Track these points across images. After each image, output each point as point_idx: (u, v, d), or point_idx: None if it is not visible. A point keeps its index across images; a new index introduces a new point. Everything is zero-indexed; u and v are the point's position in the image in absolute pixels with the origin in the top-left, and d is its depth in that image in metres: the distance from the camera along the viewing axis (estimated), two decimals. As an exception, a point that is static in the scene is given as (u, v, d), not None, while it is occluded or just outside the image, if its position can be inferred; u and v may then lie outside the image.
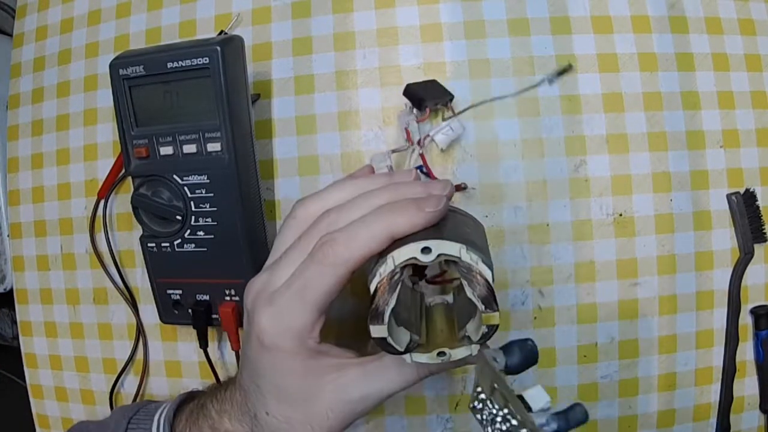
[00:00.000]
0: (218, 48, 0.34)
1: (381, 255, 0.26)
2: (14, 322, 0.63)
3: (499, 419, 0.21)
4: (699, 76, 0.40)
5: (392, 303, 0.25)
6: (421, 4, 0.40)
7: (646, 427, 0.40)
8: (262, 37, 0.42)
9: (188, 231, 0.37)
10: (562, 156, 0.39)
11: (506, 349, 0.23)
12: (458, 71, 0.40)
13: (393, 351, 0.26)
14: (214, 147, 0.36)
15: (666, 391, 0.40)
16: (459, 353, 0.26)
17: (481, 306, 0.24)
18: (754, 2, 0.41)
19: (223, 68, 0.34)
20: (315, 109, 0.41)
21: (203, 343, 0.40)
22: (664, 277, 0.40)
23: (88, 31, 0.46)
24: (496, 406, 0.21)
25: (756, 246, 0.40)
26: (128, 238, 0.44)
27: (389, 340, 0.26)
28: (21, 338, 0.48)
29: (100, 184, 0.44)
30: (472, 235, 0.27)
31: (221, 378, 0.41)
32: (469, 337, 0.26)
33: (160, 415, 0.33)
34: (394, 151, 0.38)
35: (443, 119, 0.38)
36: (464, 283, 0.25)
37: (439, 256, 0.25)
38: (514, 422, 0.20)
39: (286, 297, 0.27)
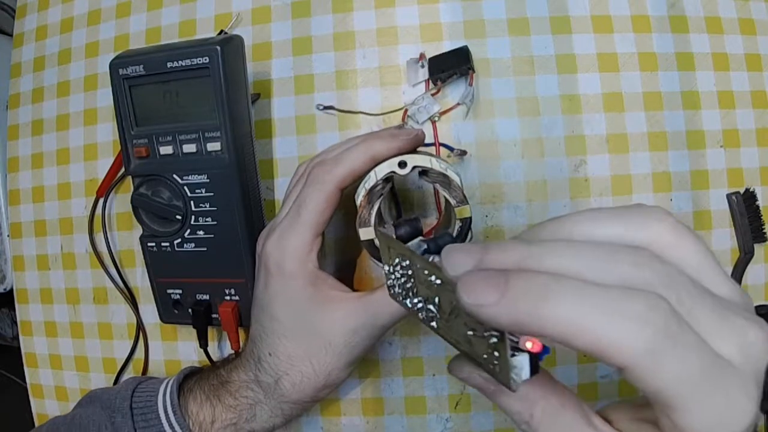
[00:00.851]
0: (218, 48, 0.34)
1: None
2: (14, 322, 0.63)
3: (403, 278, 0.22)
4: (699, 75, 0.40)
5: (375, 208, 0.30)
6: (420, 4, 0.40)
7: (646, 426, 0.40)
8: (262, 37, 0.42)
9: (188, 231, 0.37)
10: (562, 156, 0.39)
11: (396, 225, 0.28)
12: (458, 71, 0.40)
13: (380, 255, 0.29)
14: (214, 147, 0.36)
15: (666, 390, 0.40)
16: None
17: (454, 202, 0.29)
18: (755, 2, 0.41)
19: (223, 68, 0.34)
20: (315, 109, 0.41)
21: (203, 343, 0.40)
22: (664, 277, 0.39)
23: (88, 31, 0.46)
24: (397, 265, 0.22)
25: (756, 246, 0.40)
26: (128, 237, 0.44)
27: (376, 242, 0.30)
28: (21, 338, 0.48)
29: (100, 183, 0.44)
30: (440, 158, 0.32)
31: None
32: (450, 234, 0.30)
33: (169, 379, 0.36)
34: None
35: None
36: (439, 187, 0.30)
37: (414, 168, 0.30)
38: (405, 263, 0.21)
39: (285, 222, 0.32)
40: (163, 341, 0.44)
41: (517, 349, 0.18)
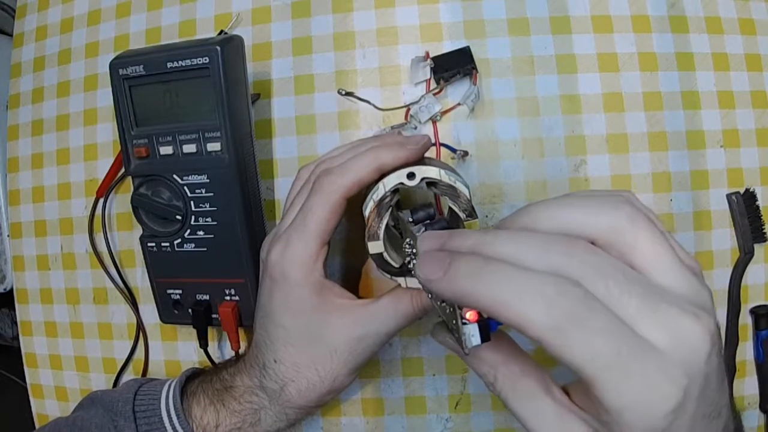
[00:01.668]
0: (218, 48, 0.34)
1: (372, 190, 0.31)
2: (14, 322, 0.63)
3: (412, 254, 0.26)
4: (699, 75, 0.40)
5: (385, 221, 0.30)
6: (420, 4, 0.40)
7: (646, 426, 0.40)
8: (262, 37, 0.42)
9: (188, 231, 0.37)
10: (562, 156, 0.39)
11: (413, 210, 0.29)
12: (458, 71, 0.40)
13: (389, 268, 0.30)
14: (214, 147, 0.36)
15: (666, 390, 0.40)
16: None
17: (463, 215, 0.29)
18: (755, 2, 0.41)
19: (223, 68, 0.34)
20: (315, 109, 0.41)
21: (203, 343, 0.40)
22: (664, 277, 0.40)
23: (88, 31, 0.46)
24: (408, 242, 0.27)
25: (756, 246, 0.40)
26: (128, 237, 0.44)
27: (385, 256, 0.30)
28: (21, 338, 0.48)
29: (100, 183, 0.44)
30: (448, 167, 0.32)
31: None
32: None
33: (171, 381, 0.36)
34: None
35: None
36: (448, 200, 0.30)
37: (422, 180, 0.30)
38: (412, 242, 0.26)
39: (291, 230, 0.31)
40: (163, 341, 0.44)
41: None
